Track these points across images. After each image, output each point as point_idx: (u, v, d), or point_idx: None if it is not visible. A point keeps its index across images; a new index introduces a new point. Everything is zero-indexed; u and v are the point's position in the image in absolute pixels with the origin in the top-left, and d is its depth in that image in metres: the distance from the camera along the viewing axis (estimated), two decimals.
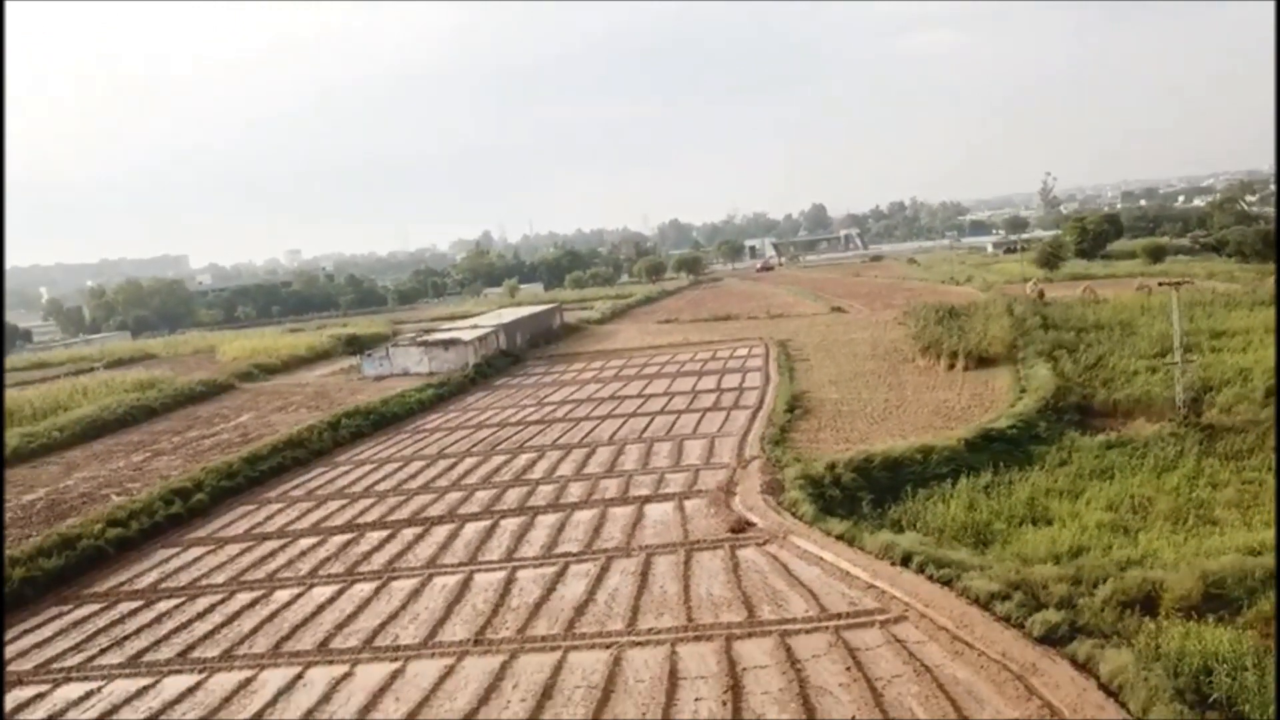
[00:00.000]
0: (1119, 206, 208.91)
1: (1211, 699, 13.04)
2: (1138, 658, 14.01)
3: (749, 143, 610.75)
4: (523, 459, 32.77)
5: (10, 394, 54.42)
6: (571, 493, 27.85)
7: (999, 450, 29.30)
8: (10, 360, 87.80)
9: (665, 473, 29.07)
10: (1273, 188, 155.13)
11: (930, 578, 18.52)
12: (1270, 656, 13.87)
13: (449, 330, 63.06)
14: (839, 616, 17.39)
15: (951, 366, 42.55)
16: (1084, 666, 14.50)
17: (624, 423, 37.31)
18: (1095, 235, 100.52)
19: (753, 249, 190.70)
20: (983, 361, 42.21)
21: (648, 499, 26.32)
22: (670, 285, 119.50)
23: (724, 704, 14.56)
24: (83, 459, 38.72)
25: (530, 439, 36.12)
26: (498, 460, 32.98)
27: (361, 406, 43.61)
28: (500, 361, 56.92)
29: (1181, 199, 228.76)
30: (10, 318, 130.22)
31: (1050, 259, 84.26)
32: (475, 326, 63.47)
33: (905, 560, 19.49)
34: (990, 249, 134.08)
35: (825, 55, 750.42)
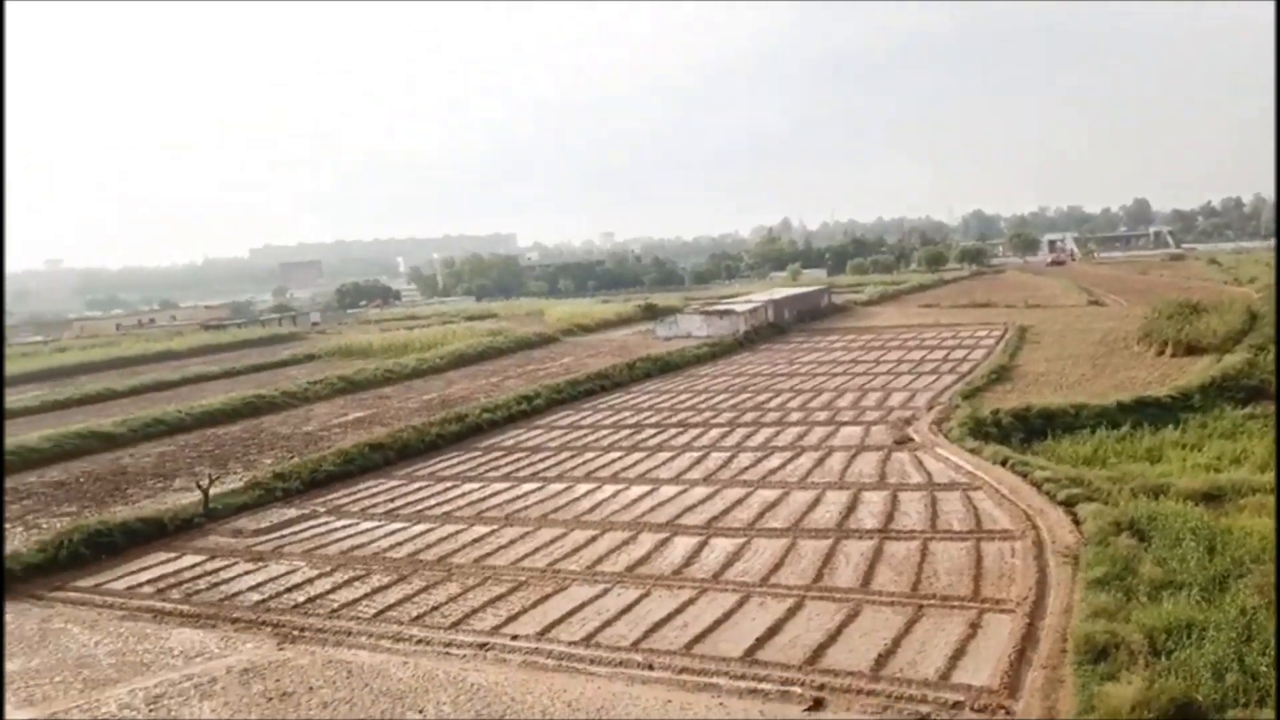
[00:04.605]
0: None
1: (1136, 528, 20.86)
2: (1101, 507, 21.98)
3: (1065, 132, 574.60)
4: (763, 396, 43.09)
5: (400, 334, 72.85)
6: (791, 417, 37.80)
7: (1149, 414, 35.48)
8: (390, 312, 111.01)
9: (867, 410, 38.20)
10: None
11: (1013, 470, 26.79)
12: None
13: (726, 304, 74.70)
14: (937, 485, 26.27)
15: (1161, 353, 47.44)
16: (1073, 513, 22.62)
17: (851, 379, 46.52)
18: None
19: (1052, 243, 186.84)
20: (1191, 350, 46.60)
21: (844, 423, 35.77)
22: (949, 275, 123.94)
23: (841, 512, 24.19)
24: (456, 378, 53.99)
25: (773, 384, 46.37)
26: (744, 396, 43.53)
27: (651, 356, 55.90)
28: (767, 331, 67.47)
29: None
30: (385, 279, 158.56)
31: None
32: (749, 301, 74.51)
33: (1004, 462, 27.80)
34: None
35: (1159, 35, 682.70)
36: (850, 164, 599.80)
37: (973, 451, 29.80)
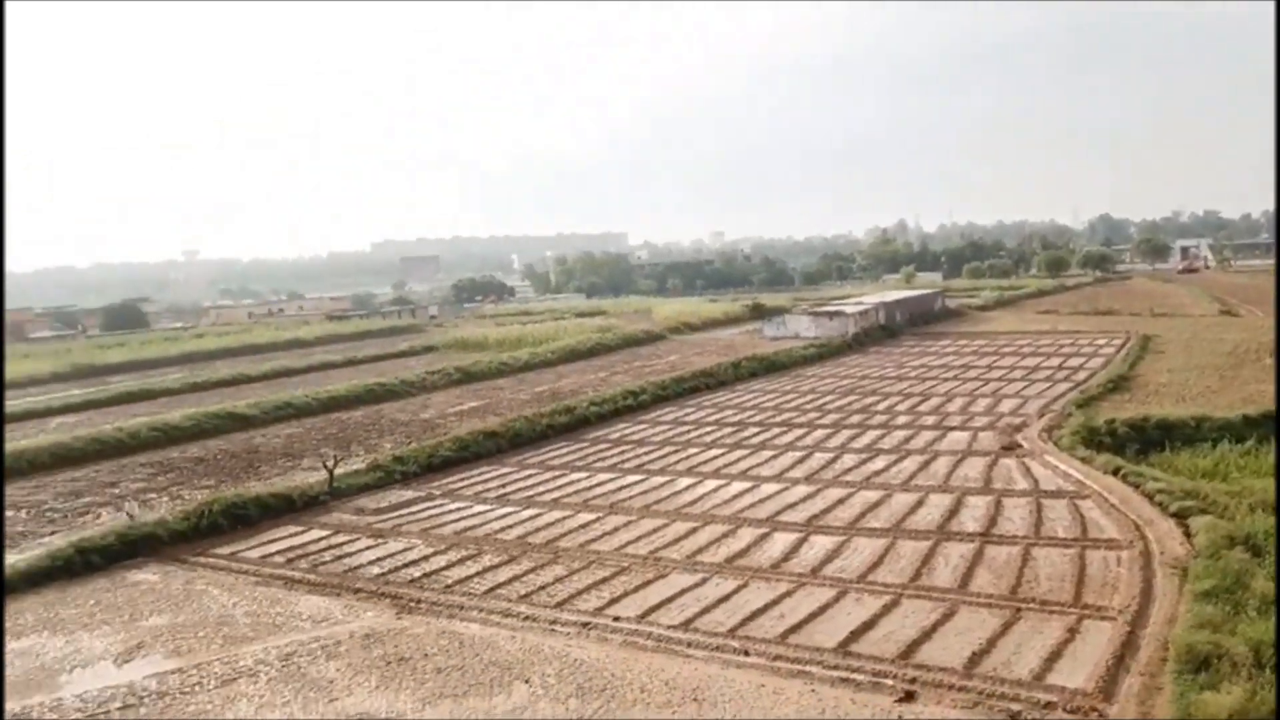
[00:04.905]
0: None
1: (1251, 543, 20.31)
2: (1215, 520, 21.44)
3: (1202, 131, 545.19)
4: (870, 399, 42.95)
5: (514, 329, 74.93)
6: (897, 420, 37.63)
7: None
8: (503, 307, 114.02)
9: (976, 416, 37.72)
10: None
11: (1125, 480, 26.24)
12: None
13: (836, 305, 74.25)
14: (1044, 493, 25.95)
15: None
16: (1185, 526, 22.11)
17: (961, 384, 45.89)
18: None
19: (1184, 249, 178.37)
20: None
21: (952, 428, 35.45)
22: (1070, 281, 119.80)
23: (943, 515, 24.21)
24: (566, 372, 55.41)
25: (881, 387, 46.12)
26: (851, 398, 43.47)
27: (758, 355, 56.19)
28: (877, 334, 66.85)
29: None
30: (500, 275, 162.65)
31: None
32: (859, 303, 73.87)
33: (1115, 471, 27.22)
34: None
35: None
36: (970, 164, 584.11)
37: (1083, 460, 29.24)
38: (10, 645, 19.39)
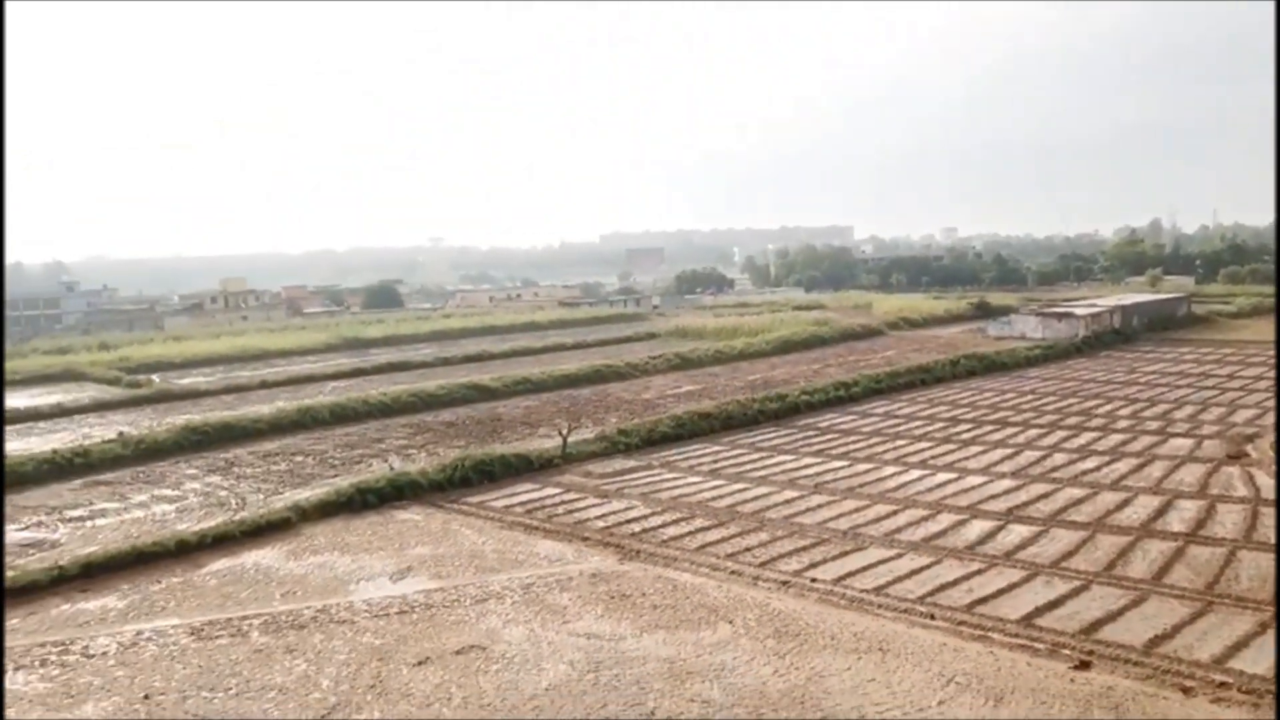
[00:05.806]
0: None
1: None
2: None
3: None
4: (1092, 402, 42.07)
5: (731, 319, 77.34)
6: (1118, 424, 36.91)
7: None
8: (722, 299, 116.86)
9: (1204, 424, 36.38)
10: None
11: None
12: None
13: (1067, 306, 71.61)
14: (1265, 500, 25.35)
15: None
16: None
17: (1195, 392, 43.90)
18: None
19: None
20: None
21: (1175, 434, 34.52)
22: None
23: (1149, 515, 24.34)
24: (779, 362, 57.24)
25: (1105, 391, 44.92)
26: (1071, 400, 42.70)
27: (978, 354, 55.66)
28: (1109, 337, 64.09)
29: None
30: (720, 268, 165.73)
31: None
32: (1092, 305, 70.88)
33: None
34: None
35: None
36: (1243, 159, 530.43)
37: None
38: (309, 560, 23.74)
